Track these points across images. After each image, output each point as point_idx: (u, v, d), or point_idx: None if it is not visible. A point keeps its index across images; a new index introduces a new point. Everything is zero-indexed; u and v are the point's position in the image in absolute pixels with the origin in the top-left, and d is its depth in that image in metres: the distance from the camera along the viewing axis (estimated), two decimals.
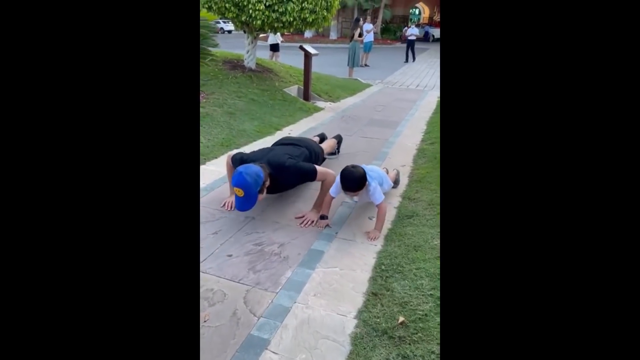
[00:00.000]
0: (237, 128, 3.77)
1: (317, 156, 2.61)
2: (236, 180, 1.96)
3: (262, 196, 2.07)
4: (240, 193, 1.95)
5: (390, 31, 23.33)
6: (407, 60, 12.43)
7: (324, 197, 2.18)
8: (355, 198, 2.12)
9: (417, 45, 13.23)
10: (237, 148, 3.30)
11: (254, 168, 2.00)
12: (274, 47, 9.00)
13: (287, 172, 2.13)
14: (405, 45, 13.04)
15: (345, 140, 3.45)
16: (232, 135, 3.57)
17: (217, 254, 1.84)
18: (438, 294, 1.52)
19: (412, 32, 12.70)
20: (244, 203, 1.99)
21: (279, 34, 7.85)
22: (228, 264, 1.76)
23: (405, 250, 1.86)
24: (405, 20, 26.59)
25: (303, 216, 2.18)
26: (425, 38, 23.91)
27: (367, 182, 2.01)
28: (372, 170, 2.20)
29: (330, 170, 2.25)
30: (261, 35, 5.69)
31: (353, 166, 2.03)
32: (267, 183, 2.06)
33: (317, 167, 2.22)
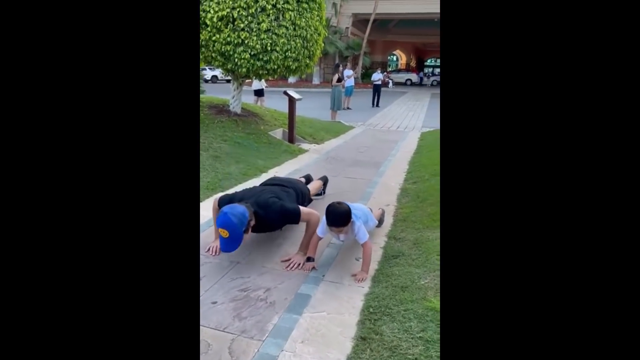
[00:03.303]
0: (223, 171, 3.79)
1: (304, 197, 2.64)
2: (221, 221, 1.94)
3: (248, 236, 2.05)
4: (225, 234, 1.93)
5: (370, 76, 24.62)
6: (373, 105, 12.42)
7: (309, 238, 2.17)
8: (342, 237, 2.12)
9: (398, 89, 13.73)
10: (222, 191, 3.30)
11: (239, 208, 2.00)
12: (259, 93, 9.27)
13: (272, 212, 2.14)
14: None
15: (330, 181, 3.50)
16: (218, 179, 3.58)
17: (202, 301, 1.79)
18: (427, 336, 1.50)
19: (378, 77, 12.68)
20: (229, 244, 1.97)
21: (263, 80, 8.13)
22: (212, 312, 1.71)
23: (392, 292, 1.85)
24: (384, 66, 28.11)
25: (289, 259, 2.16)
26: (421, 83, 26.09)
27: (352, 220, 2.03)
28: (357, 208, 2.23)
29: (314, 211, 2.27)
30: (246, 80, 5.90)
31: (338, 202, 2.06)
32: (253, 222, 2.05)
33: (301, 207, 2.23)
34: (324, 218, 2.07)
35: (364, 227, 2.07)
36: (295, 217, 2.19)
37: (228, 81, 21.40)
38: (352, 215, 2.03)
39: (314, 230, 2.14)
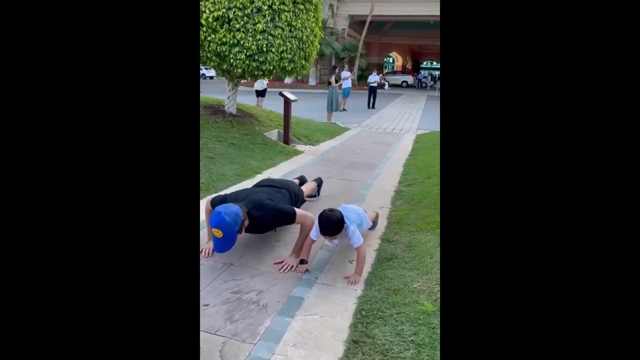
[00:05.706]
0: (217, 172, 3.77)
1: (298, 198, 2.63)
2: (215, 221, 1.92)
3: (241, 236, 2.04)
4: (219, 234, 1.91)
5: (366, 78, 24.73)
6: (369, 107, 12.43)
7: (303, 241, 2.17)
8: (335, 241, 2.12)
9: (394, 91, 13.78)
10: (216, 192, 3.28)
11: (233, 208, 1.98)
12: (261, 93, 9.08)
13: (266, 213, 2.13)
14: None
15: (325, 183, 3.50)
16: (212, 180, 3.57)
17: None
18: (419, 339, 1.50)
19: (374, 79, 12.68)
20: (223, 244, 1.95)
21: (265, 79, 7.96)
22: (204, 315, 1.70)
23: (385, 295, 1.85)
24: (380, 68, 28.23)
25: (282, 261, 2.15)
26: (420, 85, 26.31)
27: (345, 225, 2.03)
28: (351, 211, 2.22)
29: (309, 213, 2.26)
30: (242, 81, 5.88)
31: (330, 210, 2.05)
32: (246, 223, 2.03)
33: (296, 209, 2.22)
34: (317, 222, 2.07)
35: (358, 231, 2.07)
36: (290, 218, 2.18)
37: (211, 77, 21.04)
38: (346, 220, 2.03)
39: (308, 233, 2.13)
